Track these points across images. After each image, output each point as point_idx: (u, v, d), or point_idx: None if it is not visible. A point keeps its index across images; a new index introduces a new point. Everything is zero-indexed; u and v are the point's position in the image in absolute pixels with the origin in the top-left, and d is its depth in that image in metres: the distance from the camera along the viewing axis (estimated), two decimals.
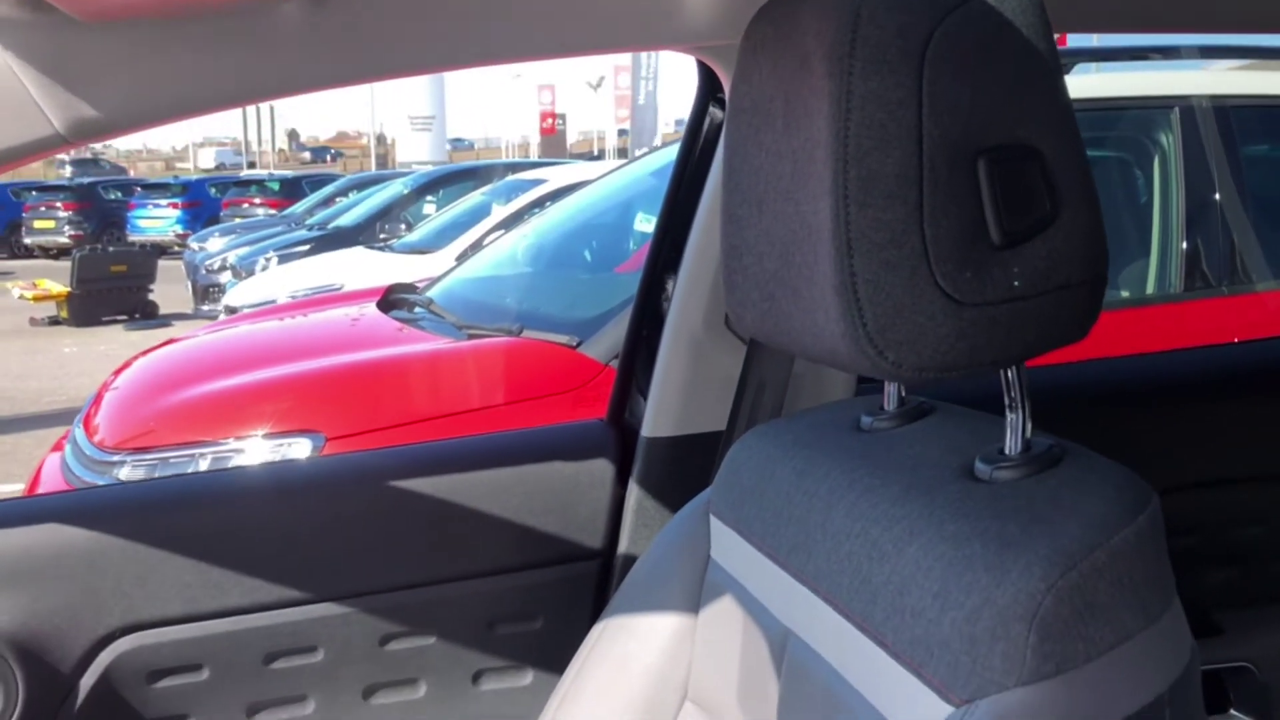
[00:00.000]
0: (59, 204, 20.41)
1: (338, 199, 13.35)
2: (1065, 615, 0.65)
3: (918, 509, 0.76)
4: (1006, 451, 0.77)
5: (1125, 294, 3.00)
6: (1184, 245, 2.93)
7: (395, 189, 11.10)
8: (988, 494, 0.74)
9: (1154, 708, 0.65)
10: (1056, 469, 0.75)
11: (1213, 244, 2.94)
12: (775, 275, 0.78)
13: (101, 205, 21.48)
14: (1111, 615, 0.66)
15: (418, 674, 1.26)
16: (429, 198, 10.38)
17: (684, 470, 1.14)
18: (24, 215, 20.25)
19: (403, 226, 9.51)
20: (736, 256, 0.84)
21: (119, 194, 22.66)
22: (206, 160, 50.96)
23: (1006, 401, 0.78)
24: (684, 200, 1.27)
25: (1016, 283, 0.71)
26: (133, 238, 19.17)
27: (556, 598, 1.27)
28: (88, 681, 1.15)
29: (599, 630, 1.09)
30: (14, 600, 1.12)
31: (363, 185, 13.66)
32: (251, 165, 37.45)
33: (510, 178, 8.35)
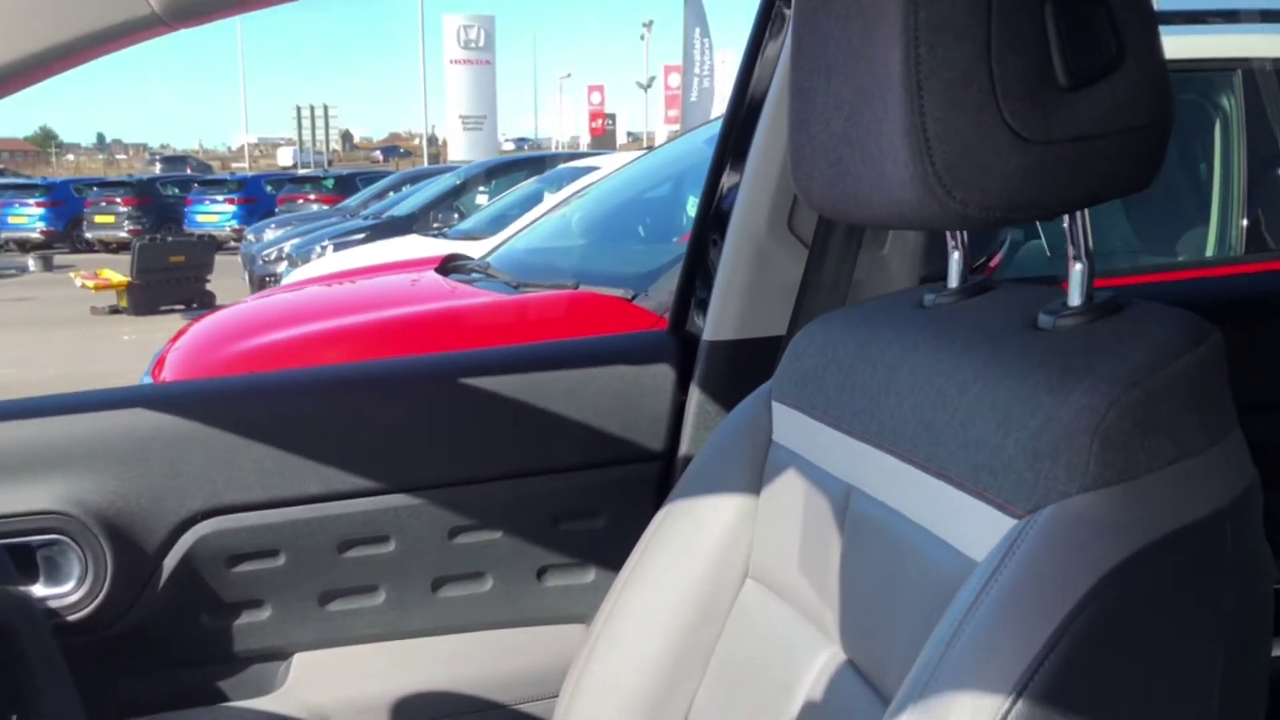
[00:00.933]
0: (119, 199, 20.87)
1: (390, 193, 13.51)
2: (1128, 428, 0.67)
3: (982, 356, 0.77)
4: (1070, 303, 0.79)
5: (1184, 258, 2.98)
6: (1245, 208, 2.90)
7: (448, 180, 11.22)
8: (1051, 338, 0.76)
9: (1214, 520, 0.67)
10: (1119, 314, 0.77)
11: (1274, 207, 2.91)
12: (843, 136, 0.80)
13: (160, 201, 21.95)
14: (1173, 431, 0.68)
15: (484, 568, 1.30)
16: (481, 188, 10.48)
17: (744, 373, 1.16)
18: (85, 210, 20.73)
19: (455, 215, 9.62)
20: (804, 128, 0.86)
21: (177, 190, 23.14)
22: (285, 159, 51.84)
23: (1071, 252, 0.80)
24: (749, 103, 1.29)
25: (1083, 124, 0.73)
26: (190, 232, 19.58)
27: (618, 497, 1.29)
28: (170, 562, 1.20)
29: (661, 516, 1.12)
30: (103, 480, 1.17)
31: (415, 179, 13.81)
32: (331, 164, 37.87)
33: (561, 166, 8.41)
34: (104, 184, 23.42)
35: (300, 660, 1.25)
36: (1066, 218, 0.79)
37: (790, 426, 1.01)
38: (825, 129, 0.83)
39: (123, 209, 20.71)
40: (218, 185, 22.99)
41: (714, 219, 1.35)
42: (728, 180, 1.33)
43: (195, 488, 1.19)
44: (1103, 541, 0.64)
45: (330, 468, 1.22)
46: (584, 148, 35.83)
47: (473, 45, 27.72)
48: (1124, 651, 0.64)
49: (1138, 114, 0.73)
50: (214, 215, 20.77)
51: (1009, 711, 0.62)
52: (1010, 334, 0.79)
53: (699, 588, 1.06)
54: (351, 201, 14.70)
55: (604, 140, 33.55)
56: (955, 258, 0.94)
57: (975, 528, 0.71)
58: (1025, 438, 0.69)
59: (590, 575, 1.31)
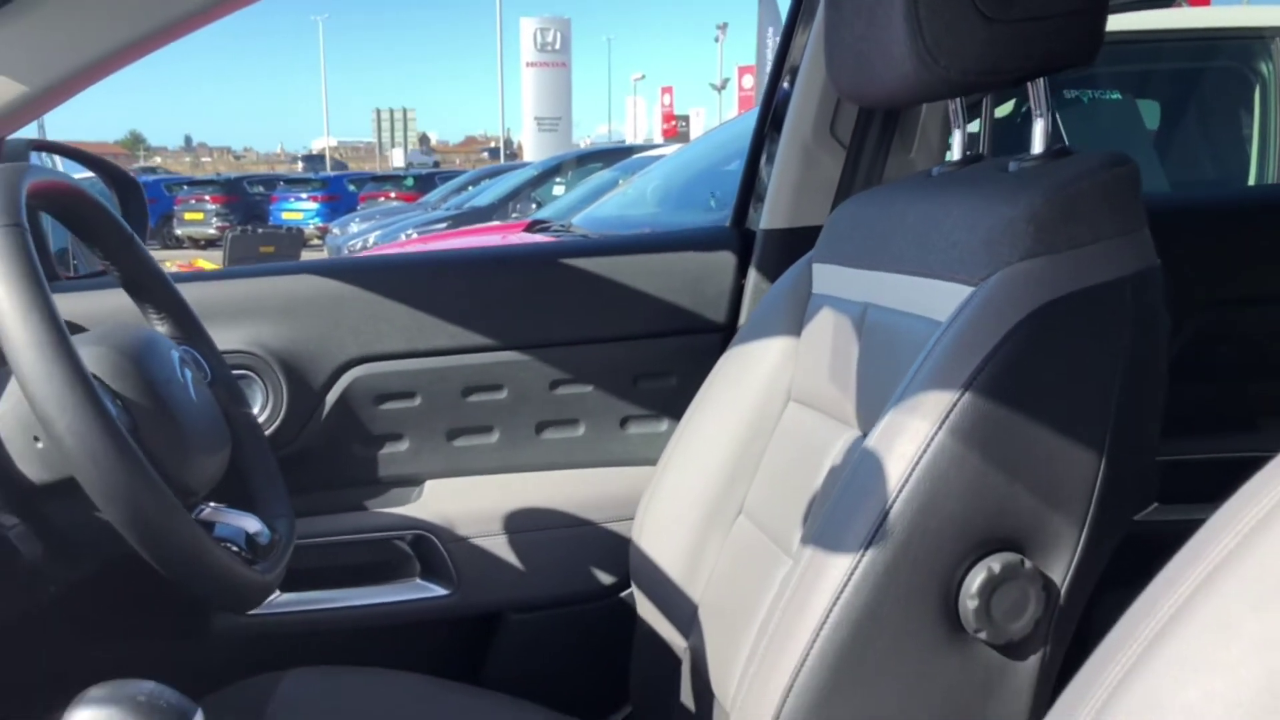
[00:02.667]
0: (207, 197, 21.66)
1: (469, 187, 13.94)
2: (1055, 217, 0.93)
3: (964, 191, 1.04)
4: (1033, 152, 1.05)
5: None
6: None
7: (526, 172, 11.60)
8: (1015, 176, 1.02)
9: (1115, 285, 0.93)
10: (1069, 157, 1.03)
11: None
12: (863, 35, 1.08)
13: (247, 199, 22.74)
14: (1089, 223, 0.94)
15: (578, 416, 1.58)
16: (557, 179, 10.84)
17: (792, 256, 1.42)
18: (175, 208, 21.50)
19: (533, 205, 9.96)
20: (835, 34, 1.15)
21: (262, 189, 23.94)
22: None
23: (1034, 112, 1.06)
24: (800, 21, 1.57)
25: (1032, 8, 0.99)
26: (276, 228, 20.24)
27: (687, 361, 1.57)
28: (330, 398, 1.50)
29: (722, 359, 1.40)
30: (281, 329, 1.48)
31: (494, 175, 14.21)
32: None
33: (634, 156, 8.71)
34: (194, 182, 24.31)
35: (431, 485, 1.55)
36: (1030, 86, 1.06)
37: (825, 278, 1.28)
38: (850, 31, 1.11)
39: (211, 206, 21.48)
40: (302, 184, 23.73)
41: (769, 130, 1.63)
42: (782, 90, 1.61)
43: (350, 339, 1.50)
44: (1028, 293, 0.91)
45: (456, 327, 1.52)
46: None
47: (549, 48, 28.16)
48: (1038, 369, 0.90)
49: (1077, 1, 1.00)
50: (298, 213, 21.46)
51: (950, 410, 0.89)
52: (988, 177, 1.06)
53: (751, 411, 1.34)
54: (432, 196, 15.18)
55: (677, 142, 33.92)
56: (957, 135, 1.21)
57: (947, 302, 0.98)
58: (983, 232, 0.96)
59: (664, 425, 1.59)
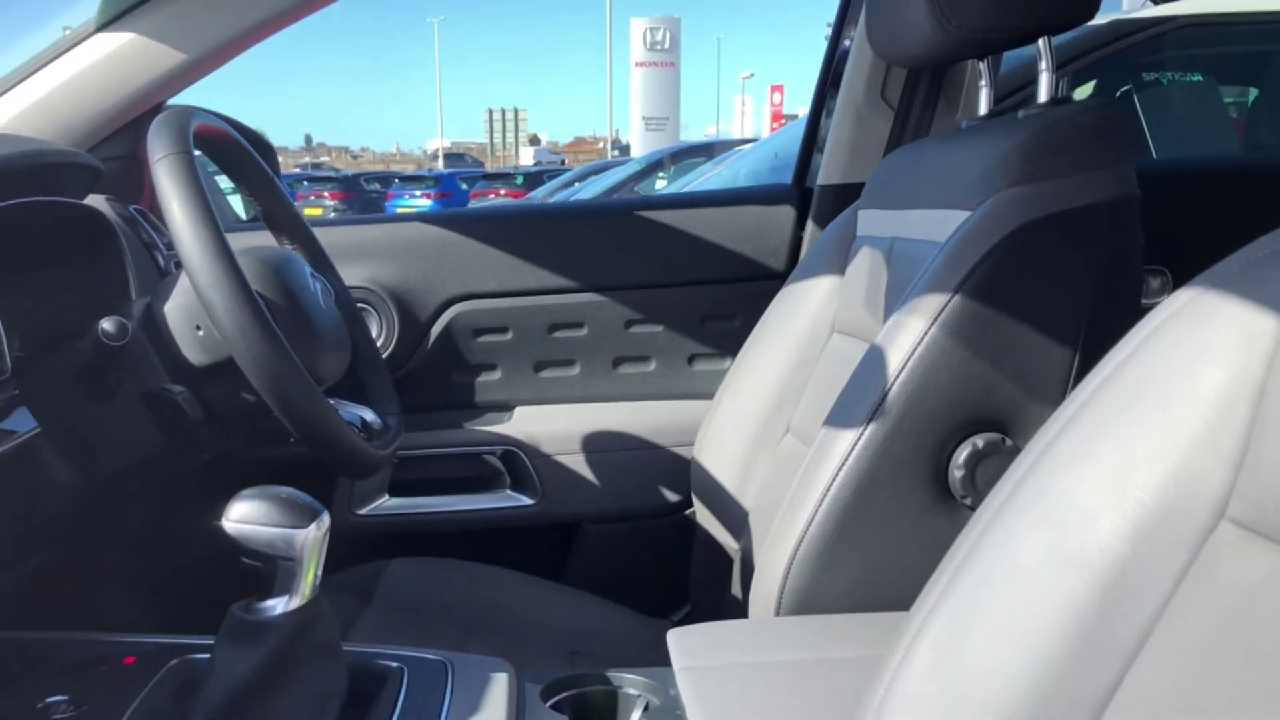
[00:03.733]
0: (326, 193, 22.46)
1: (576, 183, 14.25)
2: (1042, 148, 1.09)
3: (978, 136, 1.20)
4: (1039, 101, 1.21)
5: None
6: None
7: (629, 167, 11.84)
8: (1021, 120, 1.18)
9: (1092, 209, 1.08)
10: (1067, 104, 1.18)
11: None
12: (893, 4, 1.25)
13: (363, 195, 23.51)
14: (1072, 154, 1.09)
15: (650, 353, 1.77)
16: (660, 174, 11.05)
17: (845, 209, 1.59)
18: (296, 203, 22.32)
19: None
20: (875, 5, 1.32)
21: (378, 186, 24.73)
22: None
23: (1041, 65, 1.22)
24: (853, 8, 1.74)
25: None
26: None
27: (749, 304, 1.74)
28: (435, 330, 1.72)
29: (777, 298, 1.57)
30: (394, 268, 1.70)
31: (599, 172, 14.48)
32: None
33: (735, 150, 8.86)
34: (313, 179, 25.22)
35: (520, 410, 1.76)
36: (1041, 42, 1.21)
37: (867, 222, 1.45)
38: (886, 6, 1.28)
39: (330, 202, 22.26)
40: (416, 181, 24.43)
41: (827, 97, 1.80)
42: (840, 57, 1.78)
43: (453, 279, 1.72)
44: (1013, 214, 1.07)
45: (544, 270, 1.72)
46: None
47: (658, 47, 28.35)
48: (1019, 276, 1.06)
49: None
50: (411, 209, 22.11)
51: (942, 310, 1.05)
52: (1001, 124, 1.22)
53: (799, 342, 1.51)
54: (539, 192, 15.54)
55: None
56: (984, 92, 1.36)
57: (951, 226, 1.14)
58: (981, 165, 1.12)
59: (727, 363, 1.77)
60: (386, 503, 1.69)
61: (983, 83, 1.36)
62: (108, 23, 1.46)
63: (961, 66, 1.66)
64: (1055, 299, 1.07)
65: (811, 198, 1.77)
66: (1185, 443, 0.60)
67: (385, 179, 25.91)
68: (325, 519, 0.89)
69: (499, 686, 0.93)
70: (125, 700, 0.87)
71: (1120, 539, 0.62)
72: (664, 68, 29.07)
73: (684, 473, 1.69)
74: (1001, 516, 0.68)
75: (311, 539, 0.86)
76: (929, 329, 1.05)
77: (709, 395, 1.75)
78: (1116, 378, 0.67)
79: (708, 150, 10.91)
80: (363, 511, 1.67)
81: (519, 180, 22.87)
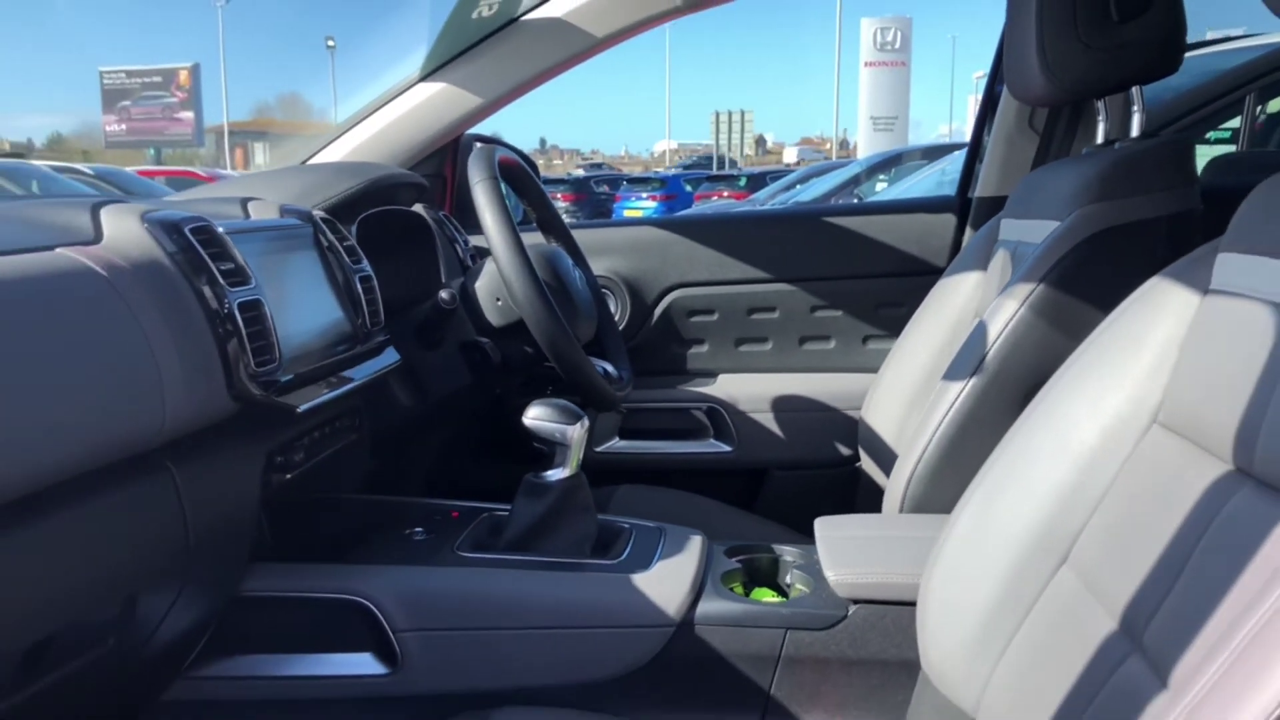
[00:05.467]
0: (558, 195, 23.58)
1: (798, 185, 14.57)
2: (1117, 174, 1.43)
3: (1079, 161, 1.55)
4: (1131, 135, 1.55)
5: None
6: None
7: (850, 169, 12.09)
8: (1112, 151, 1.52)
9: (1155, 221, 1.42)
10: (1150, 139, 1.52)
11: None
12: (1019, 55, 1.61)
13: (593, 197, 24.57)
14: (1138, 179, 1.43)
15: (831, 333, 2.17)
16: (881, 176, 11.26)
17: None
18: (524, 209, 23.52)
19: (855, 200, 10.44)
20: (1009, 50, 1.68)
21: (607, 188, 25.76)
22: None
23: (1134, 107, 1.55)
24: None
25: (1125, 38, 1.49)
26: None
27: (914, 295, 2.10)
28: (658, 311, 2.18)
29: (932, 290, 1.94)
30: (628, 261, 2.17)
31: (821, 173, 14.73)
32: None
33: (956, 153, 8.99)
34: (546, 181, 26.49)
35: (722, 377, 2.20)
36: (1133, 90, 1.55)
37: (1006, 229, 1.81)
38: (1013, 52, 1.64)
39: (562, 204, 23.37)
40: (643, 183, 25.26)
41: (985, 125, 2.15)
42: (995, 99, 2.12)
43: (673, 271, 2.17)
44: (1089, 223, 1.42)
45: (745, 264, 2.15)
46: None
47: (888, 47, 28.12)
48: (1091, 271, 1.41)
49: (1158, 32, 1.48)
50: (638, 210, 22.91)
51: (1029, 295, 1.41)
52: (1099, 152, 1.56)
53: (949, 325, 1.87)
54: (761, 194, 15.95)
55: None
56: (1101, 126, 1.70)
57: (1047, 232, 1.49)
58: (1072, 186, 1.48)
59: (894, 343, 2.15)
60: (617, 443, 2.17)
61: (1100, 118, 1.69)
62: (426, 75, 1.99)
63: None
64: (1118, 290, 1.41)
65: (970, 207, 2.13)
66: (1139, 374, 0.97)
67: (614, 181, 26.89)
68: (586, 420, 1.35)
69: (695, 544, 1.36)
70: (456, 533, 1.37)
71: (1093, 436, 0.99)
72: (894, 67, 28.77)
73: (854, 432, 2.08)
74: (1023, 426, 1.06)
75: (578, 432, 1.33)
76: (1019, 309, 1.42)
77: (878, 369, 2.14)
78: (1104, 332, 1.05)
79: (933, 153, 11.04)
80: (599, 449, 2.15)
81: (742, 182, 23.33)
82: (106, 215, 1.06)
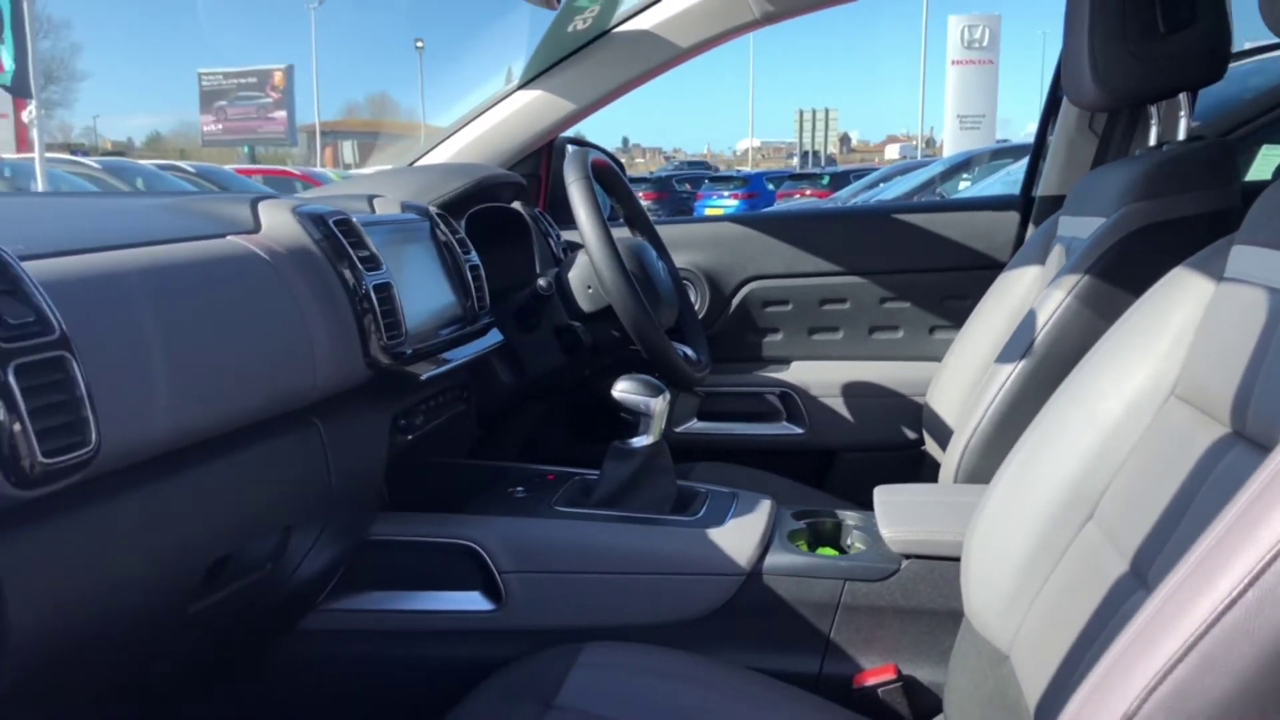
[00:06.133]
0: (640, 194, 23.72)
1: (881, 184, 14.57)
2: (1162, 174, 1.55)
3: (1134, 162, 1.67)
4: (1178, 138, 1.66)
5: None
6: None
7: (933, 168, 12.08)
8: (1162, 150, 1.64)
9: (1195, 218, 1.53)
10: (1195, 141, 1.63)
11: None
12: (1074, 64, 1.73)
13: (675, 195, 24.73)
14: (1182, 179, 1.55)
15: (899, 323, 2.31)
16: (964, 175, 11.25)
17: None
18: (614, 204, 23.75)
19: (937, 198, 10.44)
20: (1066, 59, 1.80)
21: (689, 186, 25.90)
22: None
23: (1182, 112, 1.67)
24: None
25: (1172, 50, 1.60)
26: None
27: (979, 287, 2.22)
28: (735, 301, 2.34)
29: (995, 282, 2.07)
30: (707, 255, 2.33)
31: (904, 172, 14.70)
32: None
33: None
34: (632, 180, 26.71)
35: (795, 364, 2.34)
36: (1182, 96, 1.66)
37: (1063, 226, 1.93)
38: (1068, 61, 1.76)
39: (644, 203, 23.51)
40: (724, 181, 25.34)
41: (1049, 127, 2.26)
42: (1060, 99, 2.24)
43: (749, 264, 2.32)
44: (1133, 219, 1.54)
45: (817, 258, 2.30)
46: None
47: (976, 45, 27.78)
48: (1134, 262, 1.53)
49: (1204, 41, 1.60)
50: (719, 209, 22.99)
51: (1076, 285, 1.54)
52: (1148, 154, 1.68)
53: (1009, 313, 2.00)
54: (844, 193, 15.97)
55: None
56: (1153, 130, 1.82)
57: (1095, 227, 1.62)
58: (1122, 184, 1.60)
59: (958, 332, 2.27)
60: (696, 424, 2.33)
61: (1153, 121, 1.81)
62: (525, 83, 2.18)
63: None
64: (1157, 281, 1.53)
65: (1033, 205, 2.24)
66: (1160, 352, 1.10)
67: (695, 180, 27.02)
68: (668, 394, 1.52)
69: (765, 506, 1.52)
70: (552, 492, 1.54)
71: (1118, 407, 1.12)
72: (982, 65, 28.40)
73: (919, 416, 2.21)
74: (1057, 400, 1.19)
75: (660, 404, 1.49)
76: (1065, 298, 1.55)
77: (942, 358, 2.27)
78: (1130, 316, 1.18)
79: (1017, 152, 10.99)
80: (679, 429, 2.31)
81: (825, 180, 23.26)
82: (264, 208, 1.25)
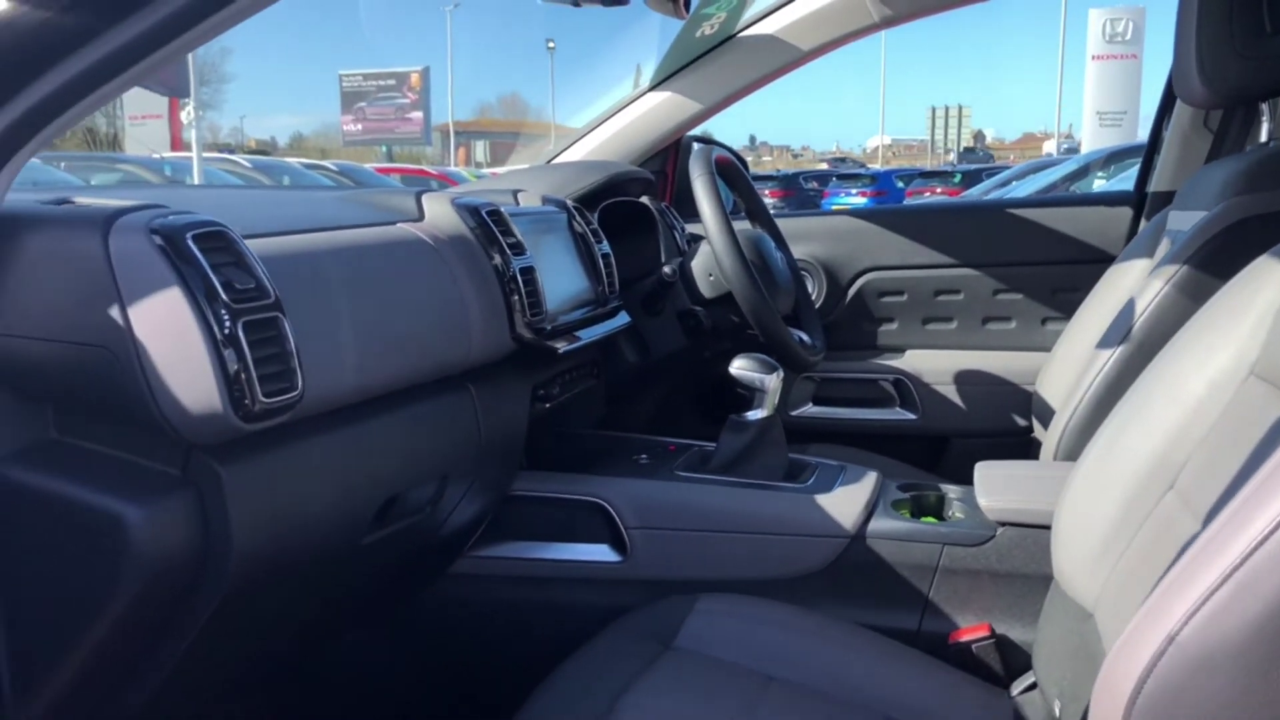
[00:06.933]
0: (766, 191, 23.81)
1: (1013, 181, 14.31)
2: (1263, 169, 1.62)
3: (1241, 158, 1.73)
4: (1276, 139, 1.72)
5: None
6: None
7: (1067, 166, 11.84)
8: (1269, 146, 1.69)
9: (1241, 223, 1.59)
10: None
11: None
12: (1184, 62, 1.80)
13: (802, 193, 24.65)
14: (1275, 172, 1.61)
15: (1011, 314, 2.39)
16: (1099, 172, 10.99)
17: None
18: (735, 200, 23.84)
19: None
20: (1176, 59, 1.87)
21: (816, 184, 25.80)
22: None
23: (1268, 111, 1.72)
24: None
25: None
26: None
27: (1090, 281, 2.28)
28: (851, 291, 2.45)
29: (1105, 274, 2.14)
30: (825, 247, 2.45)
31: (1038, 170, 14.40)
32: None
33: None
34: (755, 178, 26.77)
35: (909, 353, 2.44)
36: None
37: (1172, 220, 1.99)
38: (1179, 61, 1.83)
39: (770, 200, 23.56)
40: (852, 179, 25.17)
41: (1164, 123, 2.31)
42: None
43: (865, 255, 2.43)
44: (1233, 212, 1.61)
45: (933, 251, 2.39)
46: None
47: (1118, 39, 26.93)
48: (1233, 253, 1.59)
49: None
50: (845, 206, 22.83)
51: (1175, 274, 1.62)
52: (1255, 149, 1.74)
53: (1117, 304, 2.06)
54: (974, 190, 15.74)
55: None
56: (1264, 127, 1.87)
57: (1197, 220, 1.69)
58: (1225, 179, 1.66)
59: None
60: (811, 409, 2.45)
61: (1264, 118, 1.86)
62: (655, 85, 2.33)
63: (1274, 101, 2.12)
64: None
65: (1146, 200, 2.29)
66: (1243, 334, 1.19)
67: (823, 177, 26.87)
68: (782, 371, 1.65)
69: (871, 477, 1.64)
70: (673, 460, 1.69)
71: (1201, 386, 1.21)
72: (1124, 60, 27.50)
73: (1029, 404, 2.29)
74: (1144, 379, 1.29)
75: (774, 380, 1.63)
76: (1164, 287, 1.63)
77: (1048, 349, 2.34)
78: (1216, 301, 1.27)
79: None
80: (794, 413, 2.44)
81: (956, 179, 22.91)
82: (426, 200, 1.43)
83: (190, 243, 0.94)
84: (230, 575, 1.02)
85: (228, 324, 0.92)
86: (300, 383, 0.99)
